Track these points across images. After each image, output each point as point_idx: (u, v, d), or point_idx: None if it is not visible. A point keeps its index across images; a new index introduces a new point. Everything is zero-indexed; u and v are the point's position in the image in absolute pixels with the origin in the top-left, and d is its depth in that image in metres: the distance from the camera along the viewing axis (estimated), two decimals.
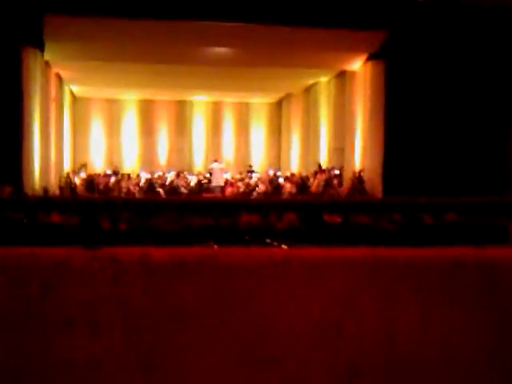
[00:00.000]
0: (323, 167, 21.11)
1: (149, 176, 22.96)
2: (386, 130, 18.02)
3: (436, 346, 2.99)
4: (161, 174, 23.60)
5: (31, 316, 2.83)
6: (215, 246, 6.87)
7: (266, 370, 2.90)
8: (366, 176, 18.84)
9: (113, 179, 22.24)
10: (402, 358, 2.98)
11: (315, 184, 20.50)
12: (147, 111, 26.94)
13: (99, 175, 23.11)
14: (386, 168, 17.96)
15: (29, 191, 16.17)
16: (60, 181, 20.98)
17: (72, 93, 25.03)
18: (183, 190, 22.37)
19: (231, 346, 2.91)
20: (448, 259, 3.01)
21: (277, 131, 27.85)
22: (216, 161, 23.69)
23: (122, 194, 20.96)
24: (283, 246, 7.07)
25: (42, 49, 17.38)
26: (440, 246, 3.18)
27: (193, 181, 23.15)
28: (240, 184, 22.61)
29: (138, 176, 23.24)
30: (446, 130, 17.28)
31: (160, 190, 21.84)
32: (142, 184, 22.33)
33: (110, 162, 25.78)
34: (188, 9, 15.86)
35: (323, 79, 22.53)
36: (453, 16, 16.81)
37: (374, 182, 18.49)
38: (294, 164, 25.42)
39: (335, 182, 20.33)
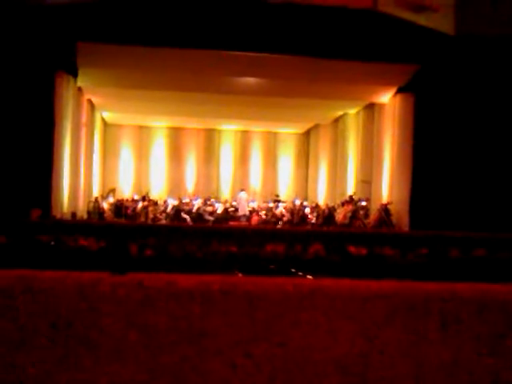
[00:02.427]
0: (354, 198, 20.99)
1: (176, 203, 23.02)
2: (413, 163, 17.91)
3: None
4: (188, 200, 23.66)
5: (57, 339, 2.84)
6: (240, 275, 6.85)
7: None
8: (392, 208, 18.70)
9: (140, 205, 22.35)
10: None
11: (341, 215, 20.40)
12: (176, 138, 27.10)
13: (127, 200, 23.24)
14: (413, 201, 17.81)
15: (57, 215, 16.29)
16: (88, 205, 21.13)
17: (103, 119, 25.31)
18: (209, 217, 22.40)
19: (255, 377, 2.88)
20: (476, 295, 2.96)
21: (304, 161, 27.82)
22: (243, 190, 23.70)
23: (149, 220, 21.05)
24: (308, 277, 7.03)
25: (75, 75, 17.63)
26: (467, 282, 3.14)
27: (219, 208, 23.17)
28: (264, 213, 22.59)
29: (165, 202, 23.33)
30: (475, 164, 17.12)
31: (186, 217, 21.89)
32: (168, 210, 22.40)
33: (138, 187, 25.92)
34: (219, 39, 16.01)
35: (352, 111, 22.53)
36: (483, 51, 16.76)
37: (400, 215, 18.33)
38: (321, 195, 25.33)
39: (362, 213, 20.21)
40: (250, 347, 2.90)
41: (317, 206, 22.74)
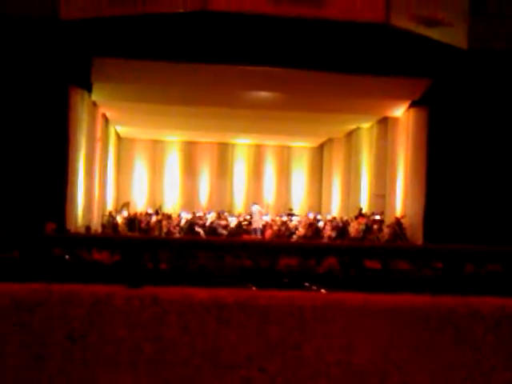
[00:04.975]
0: (363, 212, 20.98)
1: (189, 216, 23.08)
2: (427, 177, 17.88)
3: None
4: (201, 214, 23.71)
5: (72, 352, 2.85)
6: (253, 288, 6.84)
7: None
8: (406, 222, 18.65)
9: (154, 219, 22.41)
10: None
11: (355, 229, 20.36)
12: (190, 152, 27.22)
13: (141, 214, 23.32)
14: (427, 214, 17.76)
15: (71, 229, 16.36)
16: (102, 219, 21.23)
17: (117, 133, 25.46)
18: (223, 231, 22.42)
19: None
20: (493, 311, 2.94)
21: (318, 175, 27.84)
22: (256, 203, 23.73)
23: (163, 234, 21.09)
24: (322, 291, 7.01)
25: (89, 89, 17.77)
26: (483, 296, 3.12)
27: (233, 222, 23.20)
28: (278, 227, 22.58)
29: (178, 216, 23.39)
30: (489, 177, 17.06)
31: (200, 231, 21.92)
32: (182, 224, 22.45)
33: (152, 201, 26.02)
34: (233, 54, 16.09)
35: (365, 125, 22.54)
36: (496, 65, 16.74)
37: (414, 228, 18.28)
38: (335, 208, 25.31)
39: (375, 227, 20.16)
40: (264, 362, 2.89)
41: (333, 219, 22.69)
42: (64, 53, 15.82)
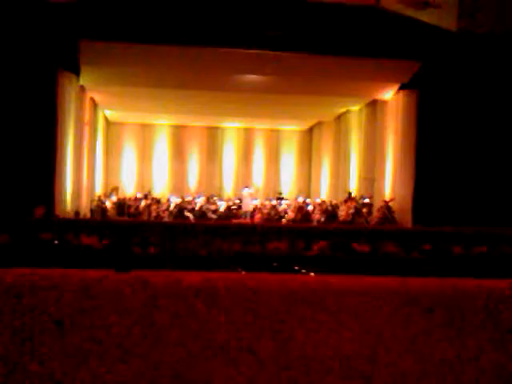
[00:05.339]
0: (353, 195, 21.03)
1: (179, 201, 23.04)
2: (416, 160, 17.92)
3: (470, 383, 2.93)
4: (191, 198, 23.69)
5: (61, 337, 2.85)
6: (243, 272, 6.86)
7: None
8: (396, 205, 18.71)
9: (143, 203, 22.37)
10: None
11: (344, 212, 20.42)
12: (179, 137, 27.13)
13: (130, 199, 23.26)
14: (417, 197, 17.82)
15: (60, 213, 16.32)
16: (91, 203, 21.18)
17: (105, 117, 25.34)
18: (212, 215, 22.42)
19: (259, 374, 2.88)
20: (481, 292, 2.96)
21: (307, 159, 27.84)
22: (247, 186, 23.72)
23: (152, 218, 21.07)
24: (311, 274, 7.03)
25: (77, 73, 17.65)
26: (470, 278, 3.13)
27: (222, 206, 23.19)
28: (267, 210, 22.60)
29: (167, 200, 23.35)
30: (478, 160, 17.13)
31: (189, 215, 21.90)
32: (171, 208, 22.42)
33: (141, 185, 25.96)
34: (221, 36, 16.03)
35: (354, 108, 22.53)
36: (486, 46, 16.76)
37: (403, 212, 18.35)
38: (324, 192, 25.35)
39: (365, 210, 20.23)
40: (253, 344, 2.90)
41: (322, 202, 22.73)
42: (51, 36, 15.69)
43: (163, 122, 26.73)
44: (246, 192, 23.11)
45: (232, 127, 27.36)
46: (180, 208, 22.36)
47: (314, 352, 2.90)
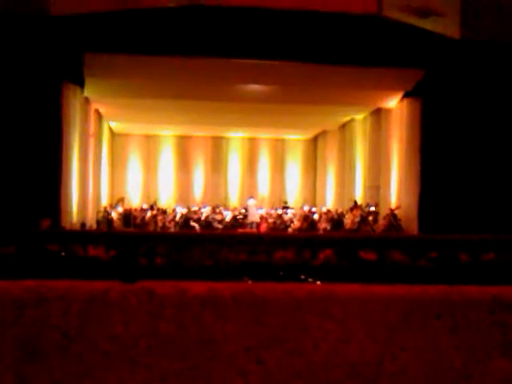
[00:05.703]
0: (358, 204, 21.01)
1: (184, 211, 23.08)
2: (421, 168, 17.90)
3: None
4: (196, 209, 23.72)
5: (68, 348, 2.85)
6: (249, 281, 6.84)
7: None
8: (401, 213, 18.69)
9: (149, 214, 22.40)
10: None
11: (350, 220, 20.40)
12: (184, 147, 27.19)
13: (136, 210, 23.30)
14: (422, 205, 17.79)
15: (66, 225, 16.34)
16: (97, 215, 21.21)
17: (110, 128, 25.41)
18: (218, 225, 22.43)
19: None
20: (487, 298, 2.95)
21: (312, 168, 27.86)
22: (252, 197, 23.75)
23: (158, 229, 21.09)
24: (318, 283, 7.01)
25: (81, 85, 17.72)
26: (478, 285, 3.12)
27: (228, 216, 23.21)
28: (273, 220, 22.59)
29: (173, 211, 23.38)
30: (483, 166, 17.09)
31: (195, 225, 21.92)
32: (177, 219, 22.45)
33: (147, 196, 26.01)
34: (225, 47, 16.08)
35: (359, 116, 22.55)
36: (490, 54, 16.76)
37: (409, 219, 18.32)
38: (329, 200, 25.34)
39: (370, 218, 20.21)
40: (261, 354, 2.90)
41: (327, 211, 22.73)
42: (56, 49, 15.77)
43: (168, 133, 26.81)
44: (251, 202, 23.13)
45: (236, 137, 27.41)
46: (186, 218, 22.39)
47: (321, 360, 2.89)
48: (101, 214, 21.43)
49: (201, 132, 26.45)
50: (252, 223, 22.25)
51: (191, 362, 2.87)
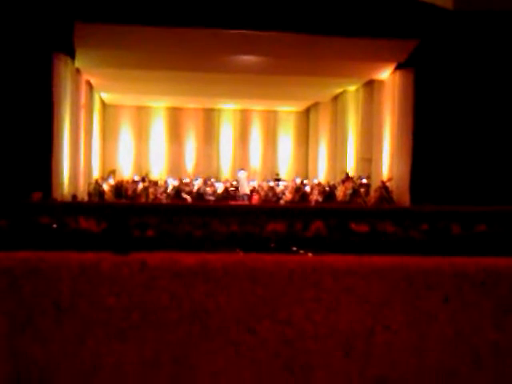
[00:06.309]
0: (350, 176, 21.03)
1: (176, 183, 23.04)
2: (414, 139, 17.90)
3: (467, 360, 2.94)
4: (188, 181, 23.69)
5: (60, 320, 2.85)
6: (241, 253, 6.85)
7: (294, 379, 2.89)
8: (393, 185, 18.72)
9: (140, 186, 22.37)
10: (431, 370, 2.94)
11: (342, 192, 20.43)
12: (175, 119, 27.06)
13: (127, 181, 23.25)
14: (414, 177, 17.83)
15: (58, 197, 16.31)
16: (89, 187, 21.16)
17: (102, 100, 25.24)
18: (210, 197, 22.42)
19: (258, 354, 2.90)
20: (479, 269, 2.96)
21: (304, 139, 27.80)
22: (242, 169, 23.73)
23: (150, 201, 21.07)
24: (309, 254, 7.03)
25: (72, 56, 17.56)
26: (469, 256, 3.14)
27: (220, 188, 23.20)
28: (264, 192, 22.61)
29: (165, 183, 23.35)
30: (476, 138, 17.10)
31: (187, 197, 21.91)
32: (169, 191, 22.42)
33: (139, 168, 25.93)
34: (216, 17, 15.93)
35: (351, 88, 22.46)
36: (483, 24, 16.67)
37: (401, 191, 18.36)
38: (321, 173, 25.34)
39: (362, 190, 20.24)
40: (253, 324, 2.91)
41: (319, 183, 22.75)
42: (46, 18, 15.59)
43: (159, 105, 26.65)
44: (241, 174, 23.11)
45: (228, 109, 27.28)
46: (178, 190, 22.37)
47: (312, 330, 2.91)
48: (92, 186, 21.37)
49: (192, 104, 26.32)
50: (243, 195, 22.27)
51: (183, 333, 2.88)
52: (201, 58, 18.26)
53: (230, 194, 22.85)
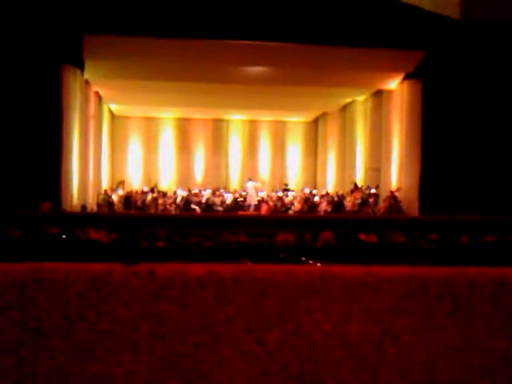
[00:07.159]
0: (359, 186, 21.02)
1: (185, 193, 23.08)
2: (422, 149, 17.90)
3: (478, 371, 2.92)
4: (197, 191, 23.72)
5: (69, 331, 2.85)
6: (250, 263, 6.85)
7: None
8: (402, 195, 18.69)
9: (149, 196, 22.41)
10: (442, 382, 2.92)
11: (351, 203, 20.40)
12: (184, 129, 27.14)
13: (136, 192, 23.31)
14: (423, 187, 17.81)
15: (67, 208, 16.36)
16: (98, 198, 21.22)
17: (111, 111, 25.35)
18: (219, 207, 22.43)
19: (267, 365, 2.89)
20: (489, 280, 2.95)
21: (313, 150, 27.82)
22: (250, 179, 23.76)
23: (159, 211, 21.10)
24: (318, 265, 7.02)
25: (81, 68, 17.67)
26: (479, 266, 3.12)
27: (228, 199, 23.21)
28: (273, 202, 22.59)
29: (174, 193, 23.39)
30: (484, 148, 17.08)
31: (196, 208, 21.94)
32: (178, 201, 22.46)
33: (148, 179, 26.01)
34: (225, 28, 16.00)
35: (359, 98, 22.48)
36: (490, 35, 16.67)
37: (410, 201, 18.34)
38: (330, 182, 25.34)
39: (371, 200, 20.21)
40: (262, 335, 2.90)
41: (327, 193, 22.75)
42: (55, 31, 15.70)
43: (168, 115, 26.76)
44: (249, 184, 23.14)
45: (237, 119, 27.37)
46: (187, 201, 22.40)
47: (322, 341, 2.90)
48: (101, 197, 21.45)
49: (201, 114, 26.40)
50: (251, 205, 22.27)
51: (192, 344, 2.87)
52: (209, 69, 18.33)
53: (238, 205, 22.86)
